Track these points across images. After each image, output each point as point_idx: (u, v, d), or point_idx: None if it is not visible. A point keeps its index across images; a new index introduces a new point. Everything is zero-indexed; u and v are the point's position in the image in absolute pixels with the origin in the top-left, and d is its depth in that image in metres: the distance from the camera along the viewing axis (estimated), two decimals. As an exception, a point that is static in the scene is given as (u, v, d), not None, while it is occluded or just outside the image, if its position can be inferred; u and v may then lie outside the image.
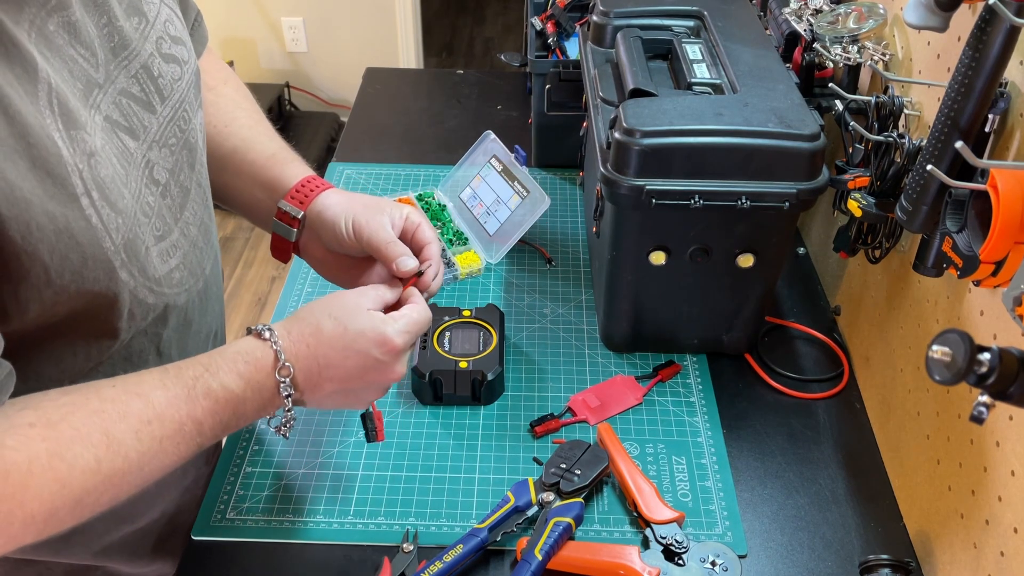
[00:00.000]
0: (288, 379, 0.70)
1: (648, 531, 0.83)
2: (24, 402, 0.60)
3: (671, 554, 0.81)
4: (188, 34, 0.78)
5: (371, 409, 0.85)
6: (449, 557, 0.79)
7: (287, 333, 0.72)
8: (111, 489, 0.62)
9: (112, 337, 0.69)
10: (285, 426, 0.74)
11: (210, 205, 0.82)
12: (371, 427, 0.85)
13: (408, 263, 0.81)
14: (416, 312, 0.77)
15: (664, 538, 0.81)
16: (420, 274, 0.82)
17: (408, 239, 0.86)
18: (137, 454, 0.62)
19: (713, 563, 0.80)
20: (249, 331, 0.72)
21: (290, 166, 0.89)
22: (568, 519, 0.82)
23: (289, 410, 0.72)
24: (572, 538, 0.82)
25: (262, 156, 0.89)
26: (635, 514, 0.85)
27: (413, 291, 0.80)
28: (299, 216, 0.86)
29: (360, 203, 0.86)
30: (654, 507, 0.84)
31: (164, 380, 0.65)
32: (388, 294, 0.78)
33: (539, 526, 0.82)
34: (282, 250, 0.89)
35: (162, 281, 0.71)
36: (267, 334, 0.71)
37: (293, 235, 0.87)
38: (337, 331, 0.72)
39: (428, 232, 0.86)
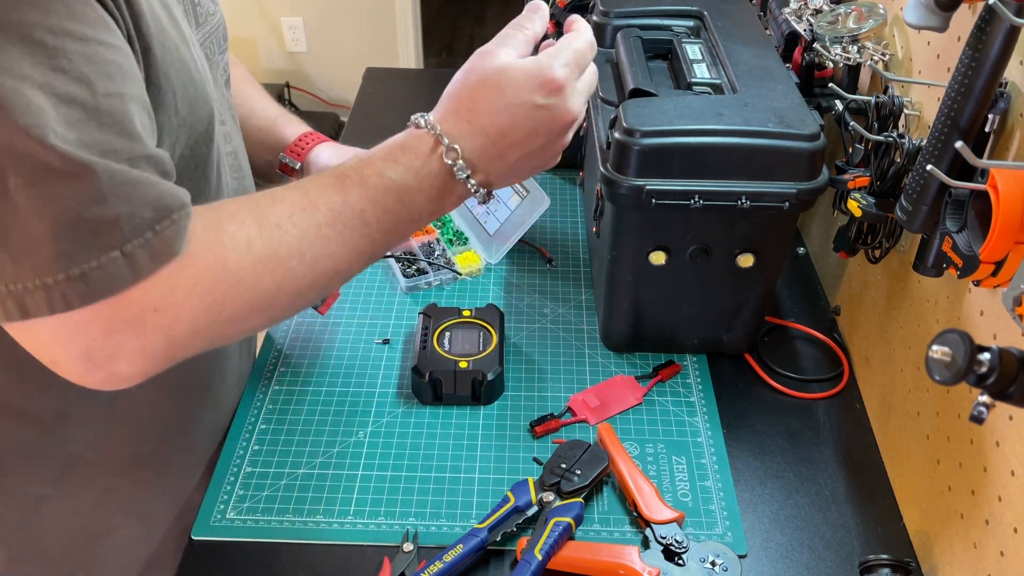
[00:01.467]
0: (459, 161, 0.67)
1: (648, 531, 0.83)
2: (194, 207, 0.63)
3: (671, 554, 0.81)
4: None
5: None
6: (449, 557, 0.79)
7: (443, 115, 0.68)
8: (269, 273, 0.62)
9: (208, 195, 0.73)
10: (484, 196, 0.70)
11: (240, 133, 0.88)
12: (322, 298, 0.94)
13: None
14: (575, 39, 0.71)
15: (664, 538, 0.81)
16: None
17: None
18: (294, 239, 0.62)
19: (713, 563, 0.80)
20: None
21: (289, 126, 0.99)
22: (568, 519, 0.82)
23: (477, 191, 0.69)
24: (572, 538, 0.82)
25: (266, 121, 0.99)
26: (635, 514, 0.85)
27: (575, 17, 0.76)
28: (297, 167, 0.95)
29: (350, 153, 0.91)
30: (654, 507, 0.84)
31: (319, 174, 0.67)
32: (529, 38, 0.73)
33: (539, 526, 0.82)
34: None
35: (224, 160, 0.76)
36: (421, 121, 0.68)
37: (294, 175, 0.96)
38: (492, 94, 0.67)
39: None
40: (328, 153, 0.96)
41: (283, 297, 0.64)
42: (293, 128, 0.99)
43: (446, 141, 0.67)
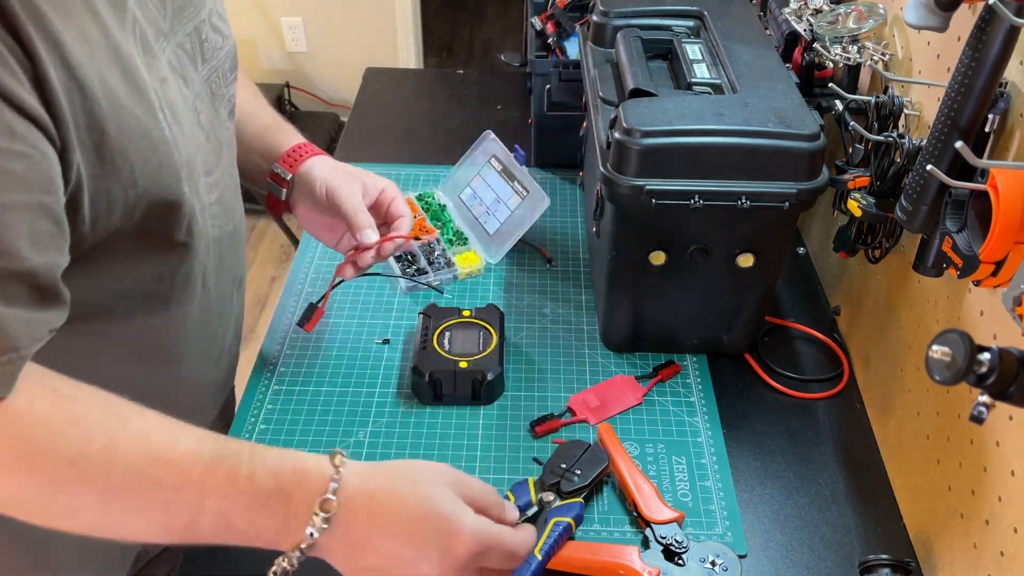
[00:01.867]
0: (326, 516, 0.60)
1: (648, 531, 0.82)
2: (68, 379, 0.61)
3: (671, 554, 0.81)
4: (228, 20, 0.85)
5: (321, 304, 0.97)
6: None
7: (359, 471, 0.63)
8: (75, 490, 0.59)
9: (173, 253, 0.72)
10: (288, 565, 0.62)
11: (236, 167, 0.87)
12: (307, 315, 0.96)
13: (371, 236, 0.90)
14: (506, 534, 0.65)
15: (664, 538, 0.81)
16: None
17: (382, 212, 0.95)
18: (121, 479, 0.58)
19: (713, 563, 0.80)
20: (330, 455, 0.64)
21: (284, 135, 0.98)
22: (568, 519, 0.82)
23: (297, 552, 0.61)
24: (572, 538, 0.82)
25: (260, 127, 0.97)
26: (635, 514, 0.85)
27: (511, 507, 0.71)
28: (288, 178, 0.94)
29: (340, 170, 0.95)
30: (654, 507, 0.84)
31: (203, 436, 0.62)
32: (481, 498, 0.67)
33: (539, 526, 0.82)
34: (274, 206, 0.97)
35: (206, 209, 0.75)
36: (338, 459, 0.62)
37: (283, 194, 0.95)
38: (409, 495, 0.62)
39: (402, 207, 0.96)
40: (321, 166, 0.94)
41: (63, 517, 0.60)
42: (286, 136, 0.97)
43: (332, 488, 0.61)
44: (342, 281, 0.95)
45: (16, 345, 0.56)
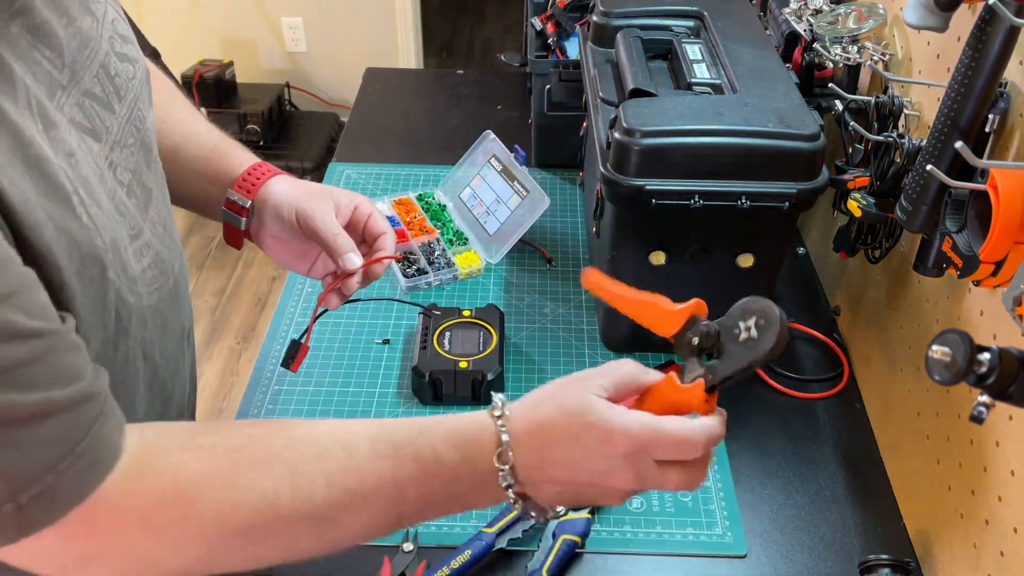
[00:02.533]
0: (508, 467, 0.61)
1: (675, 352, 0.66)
2: (204, 427, 0.58)
3: (704, 350, 0.65)
4: (133, 33, 0.75)
5: (304, 340, 0.87)
6: (457, 563, 0.79)
7: (518, 417, 0.63)
8: (286, 532, 0.58)
9: (102, 342, 0.65)
10: (526, 519, 0.65)
11: (169, 203, 0.78)
12: (291, 354, 0.87)
13: (354, 261, 0.82)
14: (665, 426, 0.62)
15: (692, 343, 0.65)
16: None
17: (359, 229, 0.86)
18: (325, 502, 0.58)
19: (749, 330, 0.62)
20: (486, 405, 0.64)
21: (234, 156, 0.88)
22: (575, 537, 0.82)
23: (515, 502, 0.62)
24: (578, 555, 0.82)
25: (205, 148, 0.87)
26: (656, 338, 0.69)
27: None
28: (247, 205, 0.85)
29: (306, 191, 0.86)
30: (664, 323, 0.68)
31: (369, 431, 0.61)
32: (625, 379, 0.68)
33: (545, 540, 0.82)
34: (233, 238, 0.88)
35: (138, 280, 0.68)
36: (498, 411, 0.62)
37: (242, 223, 0.86)
38: (563, 424, 0.63)
39: (381, 223, 0.86)
40: (283, 188, 0.85)
41: (287, 552, 0.60)
42: (237, 158, 0.87)
43: (506, 440, 0.62)
44: (326, 311, 0.87)
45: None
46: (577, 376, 0.67)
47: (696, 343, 0.63)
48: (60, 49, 0.62)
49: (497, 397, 0.63)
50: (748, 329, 0.61)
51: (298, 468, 0.58)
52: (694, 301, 0.66)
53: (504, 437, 0.61)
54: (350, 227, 0.86)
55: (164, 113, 0.88)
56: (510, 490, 0.62)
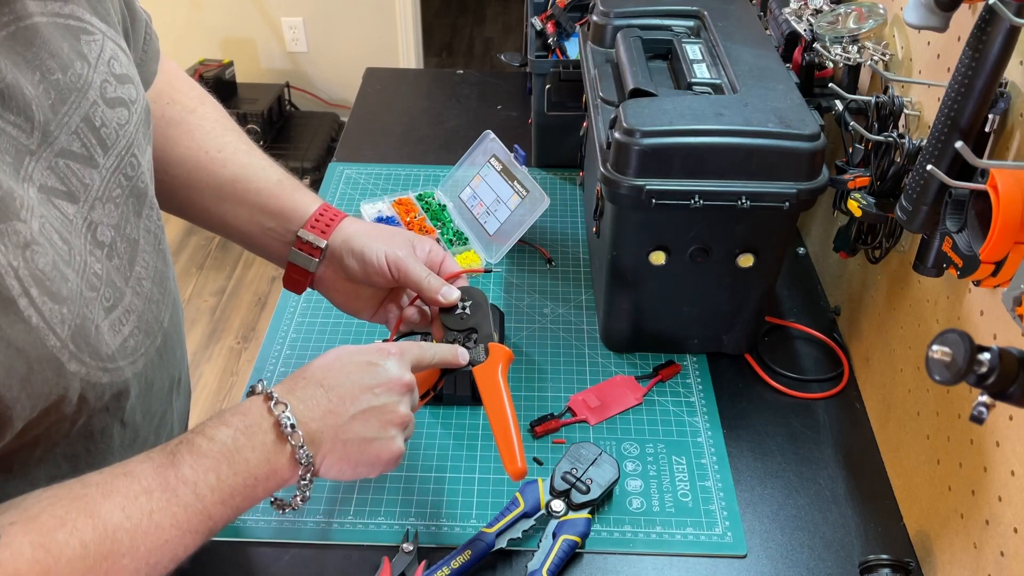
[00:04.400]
0: (286, 413, 0.64)
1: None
2: (4, 506, 0.55)
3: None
4: (135, 67, 0.72)
5: None
6: (457, 564, 0.79)
7: (281, 384, 0.68)
8: (106, 574, 0.56)
9: (66, 424, 0.62)
10: (304, 482, 0.66)
11: (163, 248, 0.75)
12: None
13: (452, 293, 0.84)
14: (418, 346, 0.75)
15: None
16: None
17: (436, 271, 0.86)
18: (127, 533, 0.56)
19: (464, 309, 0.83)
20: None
21: (300, 194, 0.87)
22: (575, 537, 0.82)
23: (303, 448, 0.64)
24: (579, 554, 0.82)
25: (268, 184, 0.86)
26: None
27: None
28: (322, 246, 0.84)
29: (387, 235, 0.85)
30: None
31: (150, 453, 0.61)
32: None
33: (545, 540, 0.82)
34: (298, 281, 0.86)
35: (116, 356, 0.64)
36: (259, 386, 0.66)
37: (314, 265, 0.85)
38: (328, 357, 0.70)
39: (453, 264, 0.88)
40: (362, 230, 0.85)
41: None
42: (302, 197, 0.86)
43: (275, 395, 0.65)
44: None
45: None
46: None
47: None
48: (29, 112, 0.58)
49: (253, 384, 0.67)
50: (463, 308, 0.83)
51: (96, 512, 0.56)
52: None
53: (272, 392, 0.65)
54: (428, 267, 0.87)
55: (220, 143, 0.86)
56: (297, 431, 0.64)
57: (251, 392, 0.67)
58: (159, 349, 0.72)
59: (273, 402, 0.64)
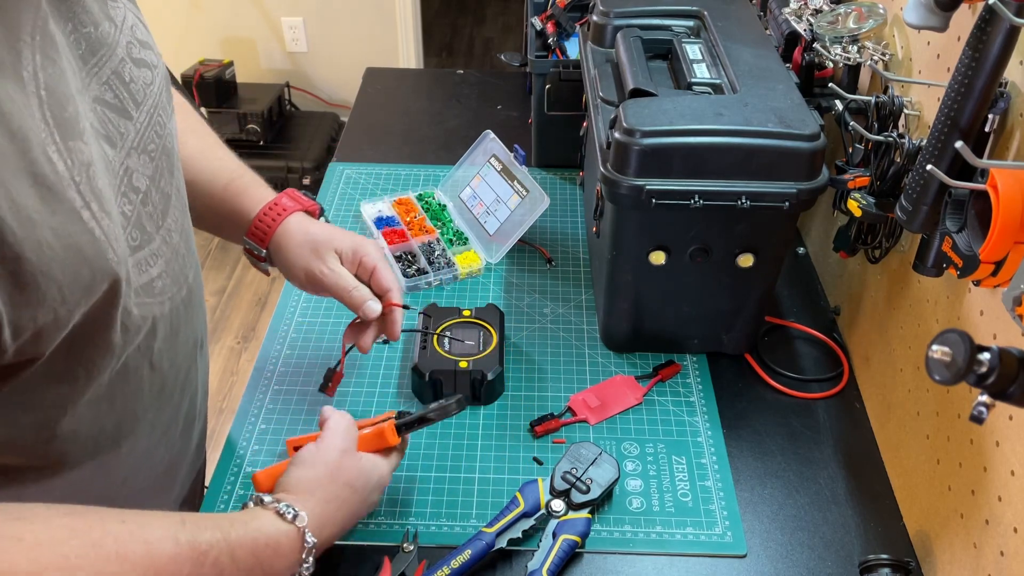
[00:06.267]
0: (310, 553, 0.71)
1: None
2: (21, 511, 0.56)
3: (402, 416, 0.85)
4: (153, 39, 0.75)
5: (339, 367, 0.95)
6: (457, 563, 0.79)
7: (309, 510, 0.73)
8: None
9: (108, 355, 0.65)
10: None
11: (187, 214, 0.79)
12: (327, 380, 0.95)
13: (374, 308, 0.89)
14: (333, 420, 0.81)
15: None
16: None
17: (366, 277, 0.91)
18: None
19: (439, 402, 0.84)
20: (261, 502, 0.72)
21: (247, 196, 0.92)
22: (575, 537, 0.82)
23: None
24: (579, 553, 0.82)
25: (218, 187, 0.91)
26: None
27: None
28: (263, 253, 0.91)
29: (309, 248, 0.90)
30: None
31: (178, 534, 0.62)
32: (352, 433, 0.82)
33: (545, 540, 0.82)
34: (260, 266, 0.95)
35: (145, 290, 0.67)
36: (300, 521, 0.71)
37: (265, 267, 0.94)
38: (335, 494, 0.77)
39: (387, 277, 0.91)
40: (292, 244, 0.90)
41: None
42: (249, 197, 0.91)
43: (310, 542, 0.71)
44: (353, 347, 0.92)
45: None
46: (332, 449, 0.79)
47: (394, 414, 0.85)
48: (67, 57, 0.61)
49: (282, 506, 0.71)
50: (440, 401, 0.83)
51: (100, 572, 0.57)
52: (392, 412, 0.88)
53: (309, 539, 0.71)
54: (358, 273, 0.91)
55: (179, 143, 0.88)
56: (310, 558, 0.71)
57: (277, 514, 0.71)
58: (184, 300, 0.76)
59: (307, 558, 0.71)
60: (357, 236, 0.92)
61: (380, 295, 0.90)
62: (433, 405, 0.83)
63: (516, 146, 1.21)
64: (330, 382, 0.95)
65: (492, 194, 1.23)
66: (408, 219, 1.26)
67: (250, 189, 0.92)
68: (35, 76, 0.55)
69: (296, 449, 0.81)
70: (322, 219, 0.96)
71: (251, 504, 0.72)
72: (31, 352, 0.57)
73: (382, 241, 1.22)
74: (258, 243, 0.90)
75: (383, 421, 0.84)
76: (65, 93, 0.58)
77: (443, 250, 1.21)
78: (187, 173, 0.86)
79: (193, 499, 0.93)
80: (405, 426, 0.83)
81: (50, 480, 0.68)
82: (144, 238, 0.68)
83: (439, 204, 1.30)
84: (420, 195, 1.32)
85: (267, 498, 0.72)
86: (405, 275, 1.16)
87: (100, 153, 0.62)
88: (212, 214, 0.91)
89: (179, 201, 0.76)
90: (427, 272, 1.17)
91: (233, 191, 0.91)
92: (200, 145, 0.92)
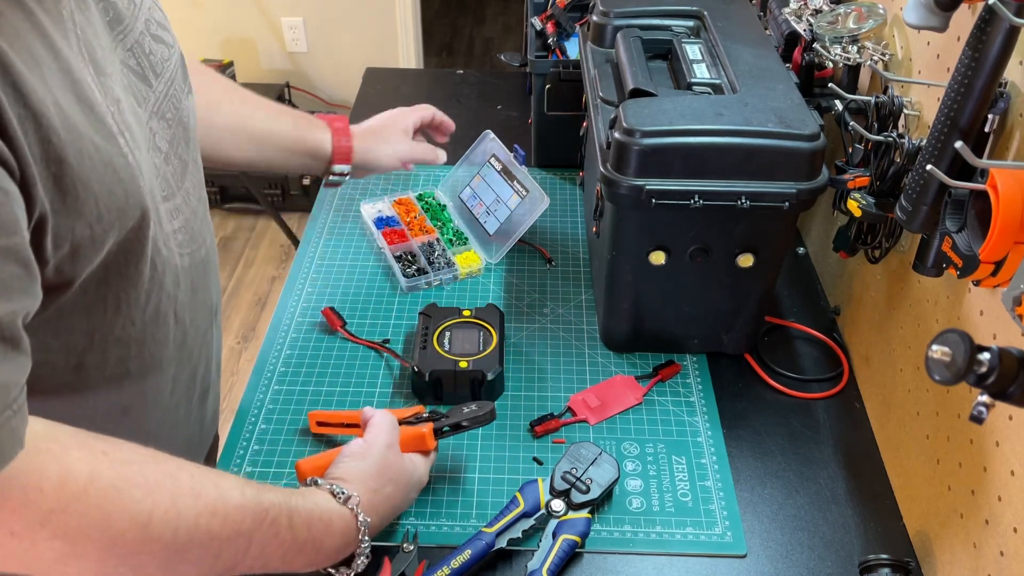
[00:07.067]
0: (365, 532, 0.75)
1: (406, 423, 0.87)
2: (106, 438, 0.59)
3: (434, 420, 0.87)
4: (170, 24, 0.79)
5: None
6: (457, 563, 0.79)
7: (361, 492, 0.76)
8: (140, 556, 0.59)
9: (138, 290, 0.68)
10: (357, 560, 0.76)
11: (203, 186, 0.83)
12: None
13: (442, 156, 1.21)
14: (377, 419, 0.84)
15: (420, 418, 0.88)
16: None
17: (435, 126, 1.23)
18: (187, 536, 0.60)
19: (472, 409, 0.87)
20: (316, 483, 0.75)
21: (311, 129, 1.10)
22: (575, 537, 0.82)
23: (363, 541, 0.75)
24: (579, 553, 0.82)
25: (288, 133, 1.08)
26: None
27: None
28: (347, 171, 1.13)
29: (382, 136, 1.16)
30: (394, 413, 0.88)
31: (244, 488, 0.66)
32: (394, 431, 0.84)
33: (545, 540, 0.82)
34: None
35: (170, 239, 0.72)
36: (353, 503, 0.74)
37: (347, 180, 1.15)
38: (382, 482, 0.80)
39: (436, 114, 1.23)
40: (364, 149, 1.13)
41: (136, 571, 0.61)
42: (318, 131, 1.10)
43: (363, 524, 0.75)
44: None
45: (9, 399, 0.52)
46: (379, 445, 0.81)
47: (426, 416, 0.88)
48: (96, 19, 0.65)
49: (336, 487, 0.74)
50: (470, 408, 0.87)
51: (176, 499, 0.60)
52: (420, 406, 0.93)
53: (363, 519, 0.74)
54: (429, 126, 1.23)
55: (239, 113, 1.05)
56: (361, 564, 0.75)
57: (338, 497, 0.74)
58: (203, 261, 0.81)
59: (363, 538, 0.75)
60: (395, 113, 1.19)
61: (440, 123, 1.23)
62: (466, 411, 0.86)
63: (516, 146, 1.21)
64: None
65: (492, 194, 1.23)
66: (408, 219, 1.26)
67: (311, 126, 1.10)
68: (72, 17, 0.60)
69: (308, 468, 0.82)
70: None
71: (306, 484, 0.75)
72: (68, 272, 0.60)
73: (382, 241, 1.22)
74: (344, 163, 1.11)
75: (413, 417, 0.87)
76: (94, 40, 0.63)
77: (443, 250, 1.21)
78: (255, 131, 1.05)
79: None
80: (439, 431, 0.86)
81: (74, 420, 0.66)
82: (169, 191, 0.72)
83: (439, 204, 1.30)
84: (420, 195, 1.32)
85: (321, 480, 0.75)
86: (405, 275, 1.16)
87: (130, 105, 0.66)
88: (287, 156, 1.08)
89: (195, 170, 0.80)
90: (427, 272, 1.17)
91: (301, 133, 1.09)
92: (248, 102, 1.07)
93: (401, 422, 0.85)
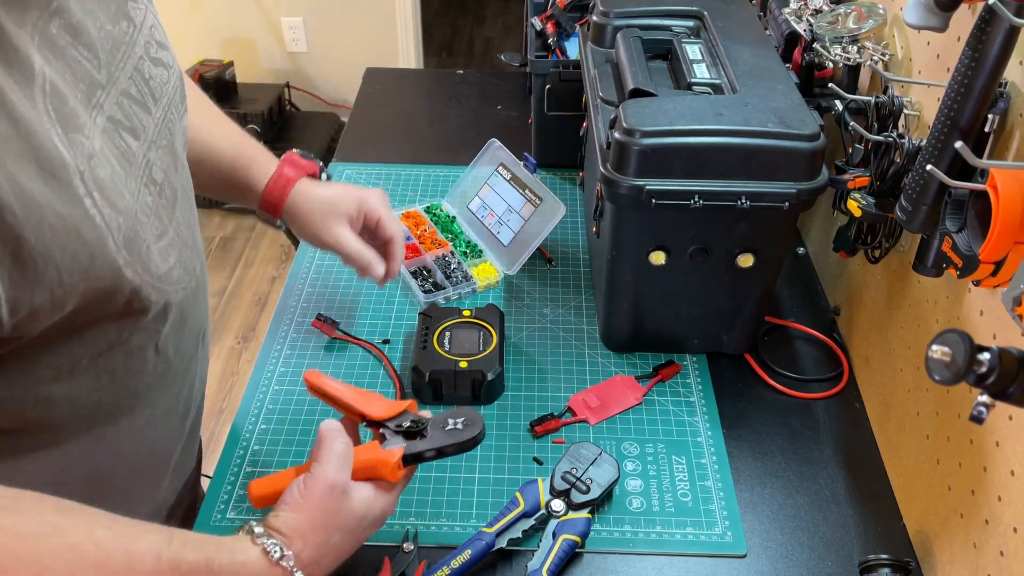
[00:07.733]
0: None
1: (382, 429, 0.77)
2: (11, 498, 0.57)
3: (412, 434, 0.76)
4: (169, 42, 0.78)
5: None
6: (457, 563, 0.79)
7: (300, 544, 0.68)
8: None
9: (113, 333, 0.67)
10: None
11: (195, 209, 0.82)
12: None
13: (379, 269, 0.97)
14: (328, 443, 0.73)
15: (399, 426, 0.76)
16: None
17: (372, 229, 0.99)
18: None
19: (455, 425, 0.76)
20: (253, 535, 0.67)
21: (253, 169, 0.97)
22: (575, 537, 0.82)
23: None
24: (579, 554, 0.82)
25: (225, 163, 0.96)
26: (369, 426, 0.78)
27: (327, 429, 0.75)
28: (277, 222, 0.98)
29: (318, 214, 0.96)
30: (377, 407, 0.78)
31: (162, 551, 0.61)
32: (345, 455, 0.74)
33: (545, 540, 0.82)
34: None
35: (164, 279, 0.70)
36: (288, 562, 0.67)
37: (281, 229, 1.00)
38: (328, 528, 0.71)
39: (389, 226, 0.98)
40: (301, 213, 0.96)
41: None
42: (257, 169, 0.96)
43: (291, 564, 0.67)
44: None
45: None
46: (319, 490, 0.71)
47: (405, 426, 0.76)
48: (95, 49, 0.64)
49: (271, 543, 0.66)
50: (455, 424, 0.76)
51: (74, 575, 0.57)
52: (411, 401, 0.79)
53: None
54: (364, 228, 0.99)
55: (191, 121, 0.92)
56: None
57: (264, 553, 0.67)
58: (194, 291, 0.78)
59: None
60: (361, 191, 0.99)
61: (385, 241, 0.99)
62: (449, 428, 0.76)
63: (526, 154, 1.18)
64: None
65: (503, 204, 1.21)
66: (419, 232, 1.24)
67: (255, 163, 0.97)
68: (43, 71, 0.58)
69: (259, 493, 0.74)
70: (323, 176, 1.01)
71: (243, 532, 0.68)
72: (27, 330, 0.59)
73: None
74: (272, 213, 0.97)
75: (394, 425, 0.76)
76: (68, 89, 0.61)
77: (459, 263, 1.19)
78: (195, 146, 0.90)
79: (187, 485, 0.93)
80: (415, 456, 0.74)
81: (45, 450, 0.68)
82: (163, 228, 0.71)
83: (448, 216, 1.28)
84: (428, 207, 1.30)
85: (258, 529, 0.68)
86: (423, 290, 1.14)
87: (120, 146, 0.65)
88: (222, 186, 0.97)
89: (185, 197, 0.79)
90: (445, 287, 1.15)
91: (241, 166, 0.97)
92: (203, 117, 0.95)
93: (378, 424, 0.77)
